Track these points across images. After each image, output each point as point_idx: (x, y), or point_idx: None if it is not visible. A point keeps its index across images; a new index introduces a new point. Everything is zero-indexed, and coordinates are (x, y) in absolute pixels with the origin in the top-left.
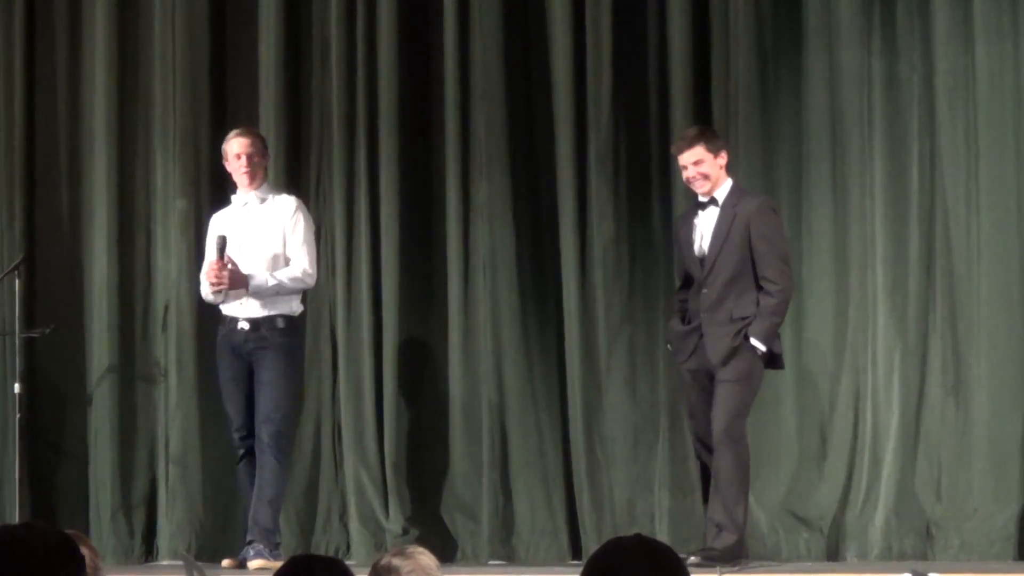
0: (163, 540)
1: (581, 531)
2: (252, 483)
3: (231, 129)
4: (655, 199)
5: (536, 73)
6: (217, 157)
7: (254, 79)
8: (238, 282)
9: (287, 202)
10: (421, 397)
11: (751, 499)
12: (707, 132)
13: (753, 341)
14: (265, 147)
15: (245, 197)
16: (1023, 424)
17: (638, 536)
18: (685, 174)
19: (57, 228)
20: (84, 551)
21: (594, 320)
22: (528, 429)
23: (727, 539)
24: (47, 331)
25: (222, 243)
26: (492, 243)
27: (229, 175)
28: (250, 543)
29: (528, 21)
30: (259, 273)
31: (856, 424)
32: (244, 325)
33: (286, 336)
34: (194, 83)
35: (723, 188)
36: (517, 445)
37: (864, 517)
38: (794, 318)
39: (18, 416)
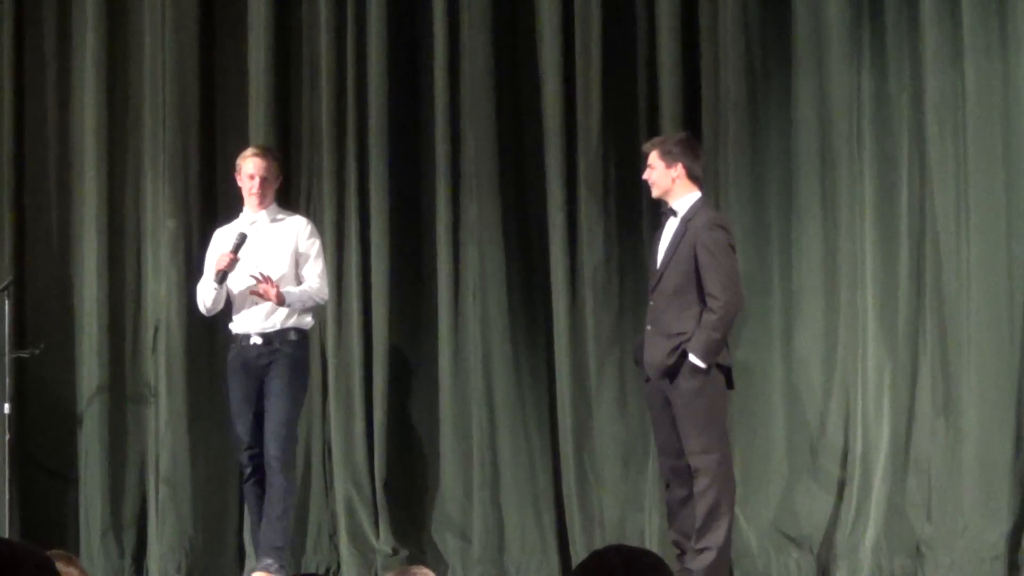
0: (153, 560)
1: (571, 550)
2: (262, 502)
3: (245, 147)
4: (645, 219)
5: (525, 92)
6: (207, 176)
7: (243, 99)
8: (280, 299)
9: (301, 224)
10: (411, 417)
11: (741, 518)
12: (666, 140)
13: (692, 357)
14: (280, 170)
15: (254, 216)
16: (1013, 442)
17: (614, 546)
18: (644, 173)
19: (47, 248)
20: (74, 571)
21: (584, 340)
22: (518, 449)
23: (706, 559)
24: (37, 351)
25: (241, 239)
26: (482, 263)
27: (237, 190)
28: (261, 560)
29: (517, 40)
30: (289, 288)
31: (846, 442)
32: (257, 340)
33: (297, 349)
34: (183, 103)
35: (684, 200)
36: (507, 465)
37: (854, 536)
38: (784, 336)
39: (7, 436)
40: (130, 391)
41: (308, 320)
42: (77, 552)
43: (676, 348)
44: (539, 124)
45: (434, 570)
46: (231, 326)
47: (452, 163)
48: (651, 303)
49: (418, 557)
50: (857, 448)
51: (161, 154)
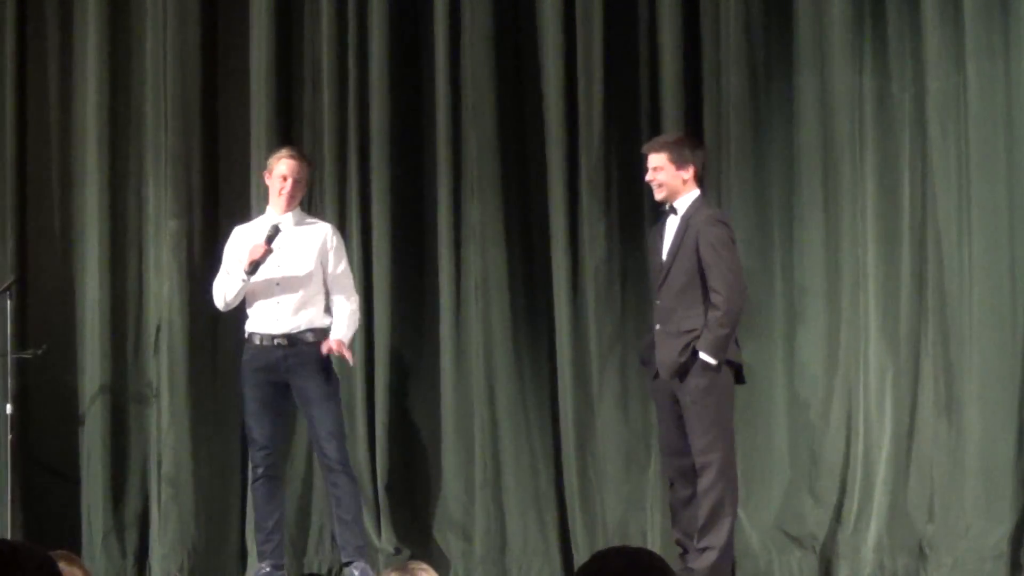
0: (155, 561)
1: (573, 550)
2: (270, 503)
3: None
4: (646, 219)
5: (527, 93)
6: (209, 177)
7: (245, 100)
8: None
9: (328, 230)
10: (413, 417)
11: (743, 518)
12: (677, 142)
13: (702, 355)
14: (311, 176)
15: (279, 217)
16: (1015, 442)
17: (616, 548)
18: (647, 175)
19: (49, 249)
20: (76, 572)
21: (586, 340)
22: (520, 449)
23: (708, 559)
24: (39, 352)
25: (275, 231)
26: (484, 263)
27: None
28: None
29: (519, 42)
30: (342, 327)
31: (848, 443)
32: (282, 341)
33: (319, 348)
34: (186, 104)
35: (686, 199)
36: (509, 465)
37: (857, 536)
38: (786, 338)
39: (10, 437)
40: (132, 391)
41: (326, 320)
42: (79, 552)
43: (687, 346)
44: (541, 124)
45: (436, 570)
46: (248, 325)
47: (454, 163)
48: (658, 302)
49: (420, 557)
50: (859, 448)
51: (163, 155)
